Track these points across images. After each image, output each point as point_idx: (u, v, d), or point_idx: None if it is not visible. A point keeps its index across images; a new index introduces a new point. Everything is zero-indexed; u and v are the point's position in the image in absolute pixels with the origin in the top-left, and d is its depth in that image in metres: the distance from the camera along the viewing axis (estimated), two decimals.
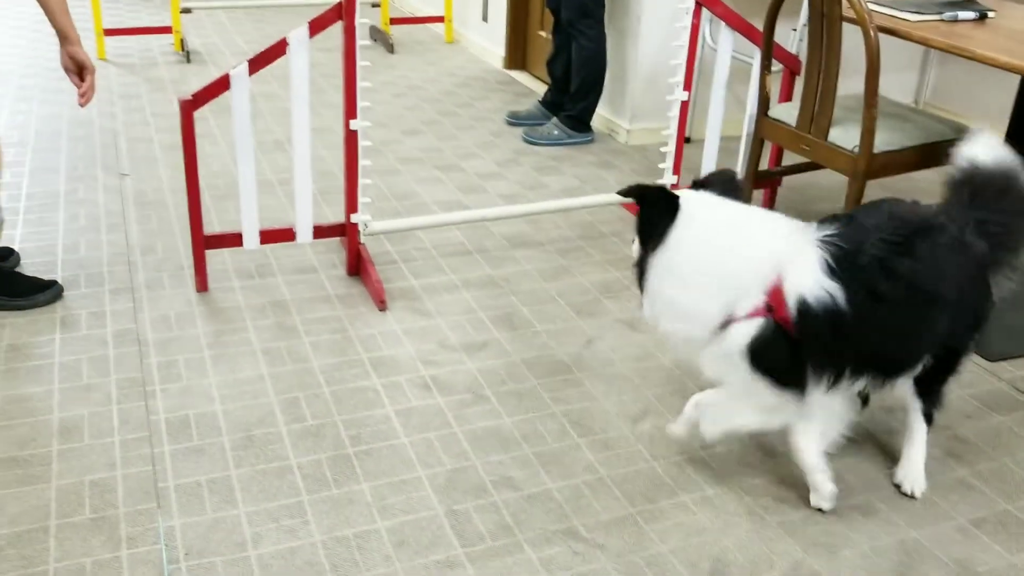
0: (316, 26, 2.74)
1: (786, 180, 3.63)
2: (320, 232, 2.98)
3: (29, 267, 2.92)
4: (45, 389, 2.35)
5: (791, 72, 3.35)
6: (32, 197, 3.45)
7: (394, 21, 6.09)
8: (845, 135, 2.89)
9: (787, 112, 3.11)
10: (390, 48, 5.75)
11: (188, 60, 5.35)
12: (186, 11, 5.60)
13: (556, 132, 4.21)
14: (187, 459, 2.13)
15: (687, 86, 3.21)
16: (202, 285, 2.85)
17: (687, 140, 3.36)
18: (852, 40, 2.81)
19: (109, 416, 2.26)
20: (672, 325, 1.96)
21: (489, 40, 5.65)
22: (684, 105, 3.24)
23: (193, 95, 2.67)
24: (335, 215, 3.37)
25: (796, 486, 2.13)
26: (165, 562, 1.84)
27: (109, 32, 5.37)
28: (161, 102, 4.57)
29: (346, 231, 2.99)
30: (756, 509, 2.06)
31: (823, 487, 2.04)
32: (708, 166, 3.36)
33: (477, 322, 2.76)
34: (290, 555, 1.87)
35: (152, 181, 3.64)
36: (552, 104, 4.38)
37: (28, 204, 3.38)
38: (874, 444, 2.29)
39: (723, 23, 3.21)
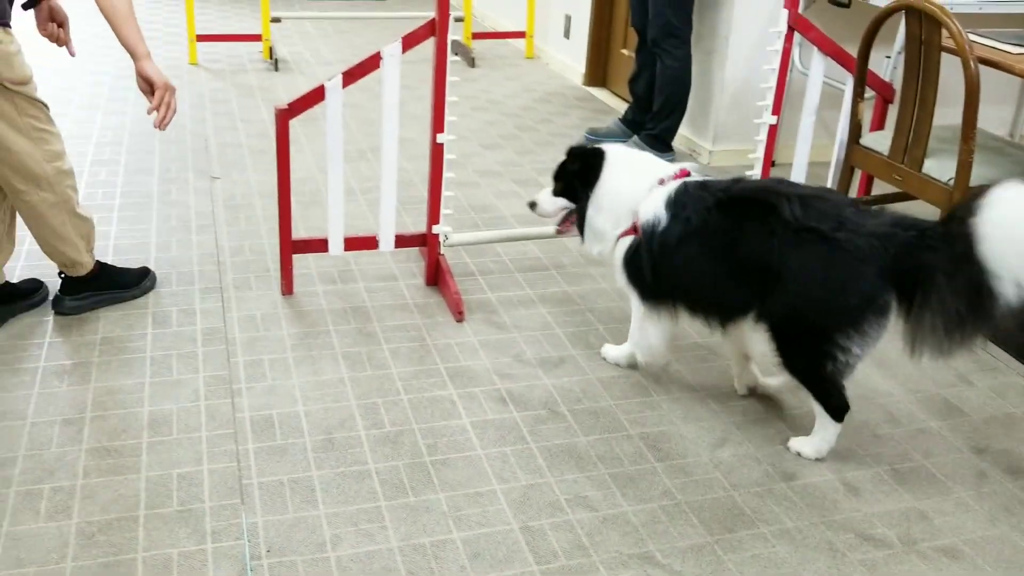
0: (409, 41, 2.78)
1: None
2: (401, 241, 3.03)
3: (123, 263, 3.00)
4: (136, 382, 2.43)
5: (884, 100, 3.30)
6: (127, 196, 3.56)
7: (476, 36, 6.16)
8: (940, 167, 2.83)
9: (879, 141, 3.06)
10: (471, 62, 5.81)
11: (276, 68, 5.48)
12: (276, 20, 5.75)
13: None
14: (270, 458, 2.17)
15: (776, 110, 3.19)
16: (288, 288, 2.91)
17: (772, 164, 3.32)
18: (948, 69, 2.76)
19: (197, 412, 2.32)
20: (595, 247, 2.47)
21: (570, 56, 5.67)
22: (772, 129, 3.21)
23: (289, 104, 2.73)
24: (414, 225, 3.42)
25: (881, 524, 2.08)
26: (248, 558, 1.88)
27: (201, 38, 5.54)
28: (249, 108, 4.69)
29: (427, 241, 3.02)
30: (837, 545, 2.02)
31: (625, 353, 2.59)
32: None
33: (553, 338, 2.77)
34: (368, 559, 1.90)
35: (241, 185, 3.73)
36: (633, 122, 4.38)
37: (123, 203, 3.50)
38: (964, 492, 2.23)
39: (815, 48, 3.17)
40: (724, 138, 4.21)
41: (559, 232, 2.63)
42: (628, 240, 2.36)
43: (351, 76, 2.77)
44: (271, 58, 5.56)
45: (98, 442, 2.19)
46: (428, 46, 2.78)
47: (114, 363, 2.50)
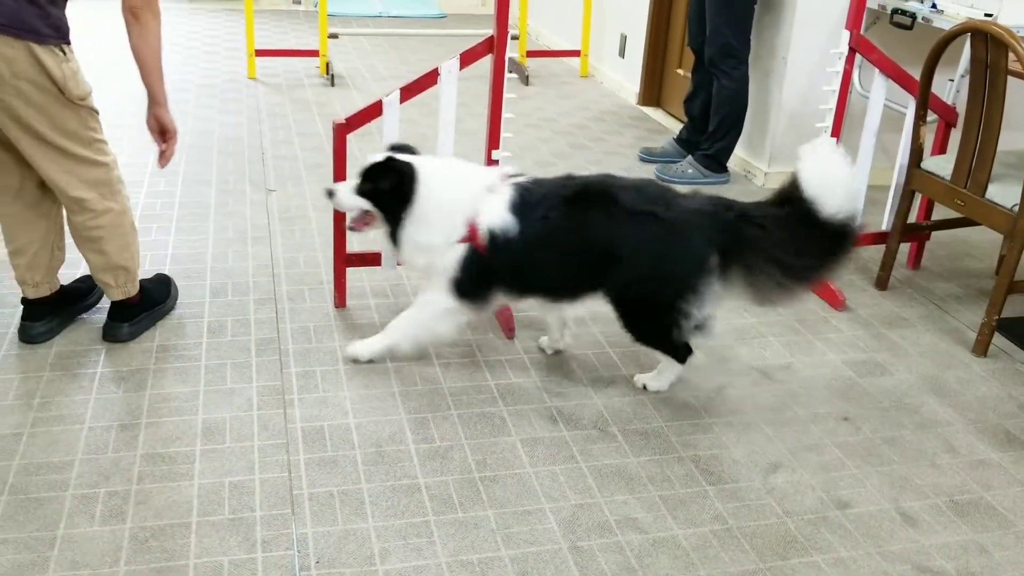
0: (467, 58, 2.80)
1: (935, 235, 3.50)
2: None
3: (181, 272, 3.07)
4: (191, 390, 2.46)
5: (946, 124, 3.24)
6: (184, 206, 3.63)
7: (530, 54, 6.19)
8: (1004, 192, 2.76)
9: (941, 165, 3.00)
10: (525, 80, 5.84)
11: (332, 83, 5.55)
12: (333, 36, 5.84)
13: (691, 171, 4.17)
14: (321, 469, 2.19)
15: (835, 132, 3.14)
16: (340, 301, 2.94)
17: None
18: (1014, 94, 2.70)
19: (250, 421, 2.35)
20: (420, 259, 2.49)
21: (624, 76, 5.66)
22: None
23: (347, 119, 2.76)
24: None
25: (939, 556, 2.03)
26: (297, 568, 1.89)
27: (260, 53, 5.64)
28: (306, 122, 4.76)
29: None
30: None
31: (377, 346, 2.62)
32: None
33: (604, 357, 2.75)
34: (416, 574, 1.89)
35: (296, 198, 3.78)
36: (688, 142, 4.36)
37: (181, 213, 3.56)
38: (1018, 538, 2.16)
39: (877, 70, 3.13)
40: (780, 160, 4.16)
41: (351, 229, 2.59)
42: (462, 248, 2.42)
43: (409, 91, 2.79)
44: (327, 73, 5.63)
45: (153, 448, 2.22)
46: (483, 63, 2.80)
47: (170, 371, 2.54)
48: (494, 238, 2.38)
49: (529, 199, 2.39)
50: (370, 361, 2.62)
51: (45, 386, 2.44)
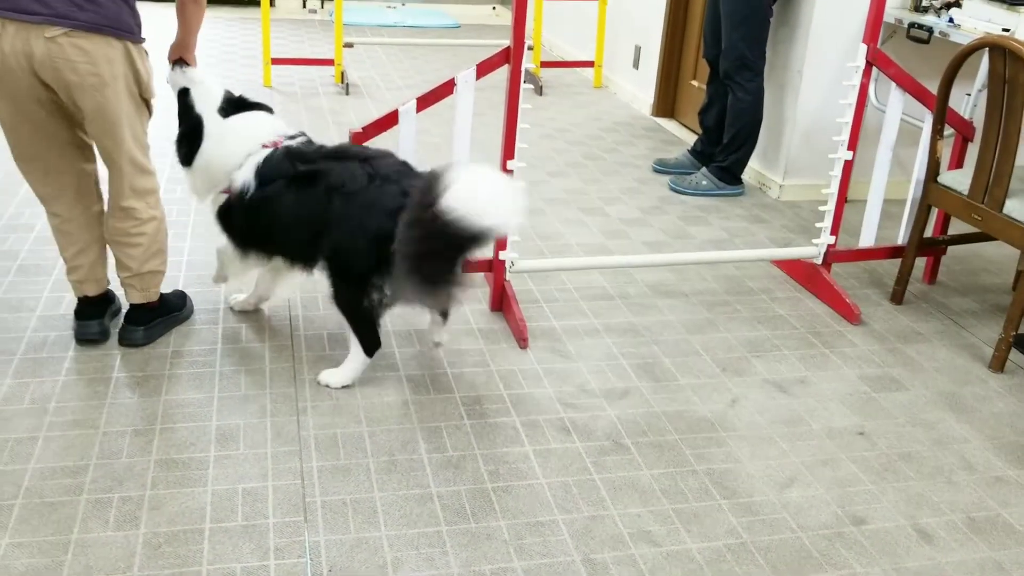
0: (483, 69, 2.81)
1: (951, 249, 3.48)
2: (467, 266, 3.03)
3: (195, 278, 3.08)
4: (206, 396, 2.46)
5: (963, 138, 3.23)
6: (200, 212, 3.63)
7: (544, 64, 6.19)
8: (1022, 208, 2.75)
9: (958, 179, 2.99)
10: (539, 90, 5.85)
11: (347, 92, 5.57)
12: (348, 45, 5.86)
13: (705, 182, 4.17)
14: (334, 477, 2.18)
15: (852, 145, 3.13)
16: None
17: (846, 200, 3.25)
18: None
19: (263, 428, 2.35)
20: (196, 193, 2.72)
21: (638, 87, 5.67)
22: (848, 165, 3.15)
23: (363, 128, 2.77)
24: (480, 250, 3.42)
25: (955, 573, 2.01)
26: None
27: (276, 61, 5.66)
28: (321, 130, 4.77)
29: (493, 267, 3.03)
30: None
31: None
32: (869, 230, 3.26)
33: (618, 369, 2.74)
34: None
35: None
36: (702, 154, 4.35)
37: (197, 219, 3.57)
38: None
39: (893, 84, 3.12)
40: (795, 172, 4.16)
41: None
42: (223, 198, 2.62)
43: (425, 101, 2.80)
44: (342, 82, 5.66)
45: (167, 454, 2.23)
46: (496, 73, 2.80)
47: (184, 376, 2.55)
48: (237, 196, 2.57)
49: (267, 168, 2.55)
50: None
51: (61, 390, 2.45)
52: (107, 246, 2.64)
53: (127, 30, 2.34)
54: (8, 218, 3.47)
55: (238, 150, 2.60)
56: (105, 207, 2.63)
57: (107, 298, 2.71)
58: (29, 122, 2.40)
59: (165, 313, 2.74)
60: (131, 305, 2.68)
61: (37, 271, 3.08)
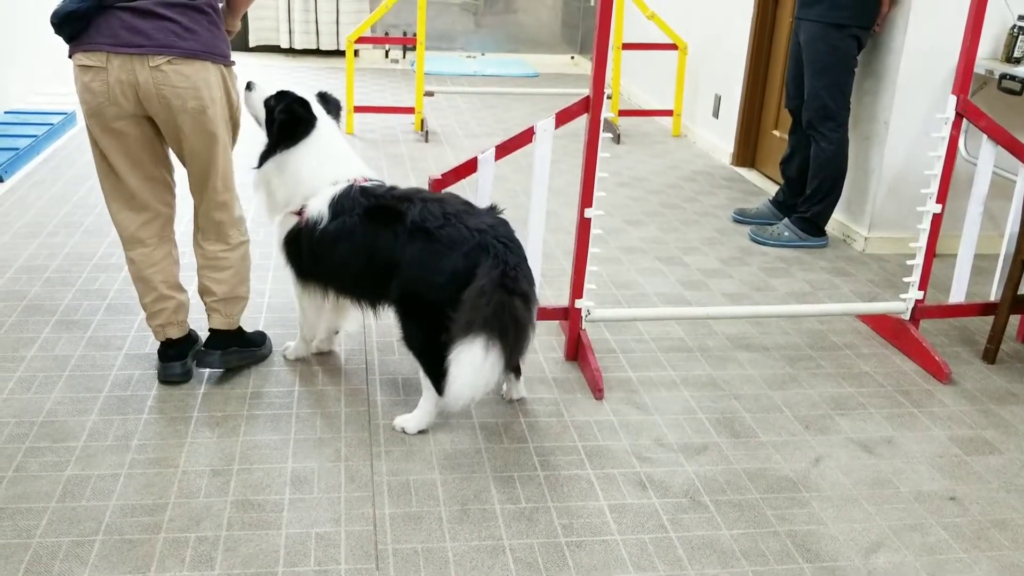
0: (562, 118, 2.81)
1: None
2: (543, 314, 3.02)
3: (275, 320, 3.13)
4: (282, 438, 2.49)
5: None
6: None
7: (623, 113, 6.21)
8: None
9: None
10: (617, 138, 5.85)
11: (426, 139, 5.67)
12: (429, 94, 5.96)
13: (787, 234, 4.09)
14: (406, 524, 2.17)
15: (941, 199, 3.04)
16: None
17: (934, 255, 3.15)
18: None
19: (337, 472, 2.35)
20: (260, 195, 2.75)
21: (718, 136, 5.63)
22: (937, 218, 3.06)
23: (442, 175, 2.80)
24: (555, 298, 3.41)
25: None
26: None
27: (358, 109, 5.80)
28: (400, 177, 4.85)
29: (568, 315, 3.00)
30: None
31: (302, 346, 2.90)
32: (959, 285, 3.15)
33: (696, 423, 2.68)
34: None
35: None
36: (783, 205, 4.28)
37: (277, 262, 3.64)
38: None
39: (984, 136, 3.03)
40: (881, 225, 4.05)
41: None
42: (292, 221, 2.64)
43: (504, 149, 2.82)
44: (422, 129, 5.75)
45: (243, 495, 2.25)
46: (574, 120, 2.81)
47: (262, 418, 2.58)
48: (309, 225, 2.58)
49: (343, 201, 2.56)
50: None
51: (143, 428, 2.50)
52: (180, 289, 2.73)
53: (221, 55, 2.50)
54: (99, 258, 3.60)
55: (325, 173, 2.63)
56: (175, 247, 2.74)
57: (190, 339, 2.78)
58: (126, 155, 2.54)
59: (243, 345, 2.80)
60: (211, 331, 2.76)
61: (126, 310, 3.17)
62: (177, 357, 2.72)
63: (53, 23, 2.40)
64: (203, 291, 2.73)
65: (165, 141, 2.58)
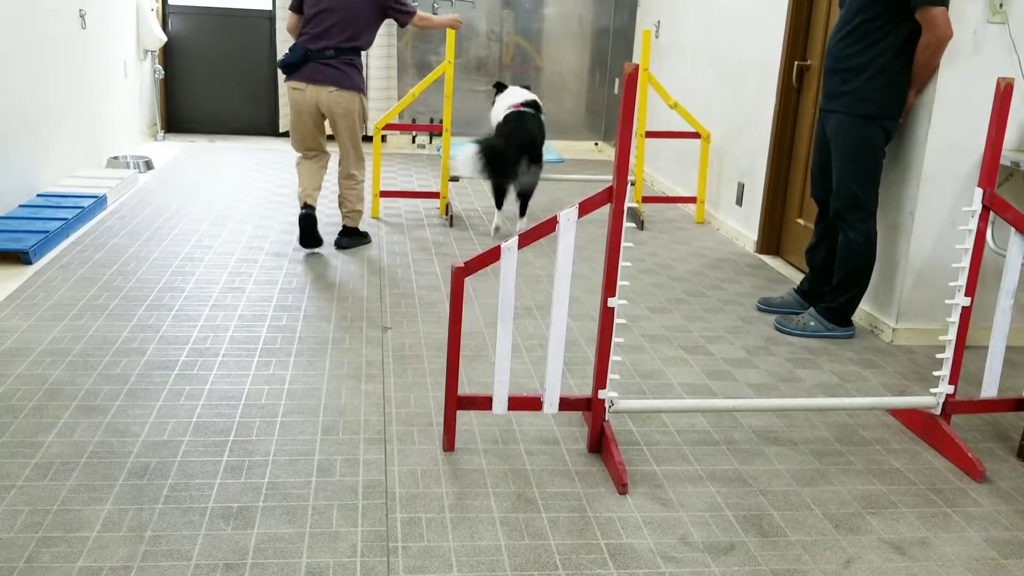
0: (586, 207, 2.82)
1: None
2: (565, 404, 2.97)
3: (295, 408, 3.11)
4: (297, 531, 2.43)
5: None
6: (303, 341, 3.71)
7: (646, 199, 6.24)
8: None
9: None
10: (640, 225, 5.87)
11: (451, 224, 5.71)
12: (454, 179, 6.04)
13: (813, 323, 4.04)
14: None
15: (969, 291, 2.99)
16: (450, 445, 2.90)
17: (964, 347, 3.09)
18: None
19: (353, 568, 2.29)
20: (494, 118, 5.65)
21: (742, 223, 5.63)
22: (966, 311, 3.00)
23: (465, 263, 2.80)
24: (578, 387, 3.37)
25: None
26: None
27: (384, 194, 5.87)
28: (423, 262, 4.87)
29: (591, 406, 2.96)
30: None
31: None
32: (991, 379, 3.07)
33: (723, 521, 2.60)
34: None
35: (410, 336, 3.83)
36: (809, 294, 4.24)
37: (300, 347, 3.64)
38: None
39: (1012, 228, 3.00)
40: (909, 316, 3.99)
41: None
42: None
43: (527, 238, 2.81)
44: (447, 214, 5.80)
45: None
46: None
47: (277, 509, 2.53)
48: (498, 124, 5.69)
49: (512, 112, 5.58)
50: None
51: (158, 519, 2.46)
52: (316, 188, 4.94)
53: (359, 88, 4.86)
54: (122, 342, 3.61)
55: (501, 105, 5.58)
56: (326, 168, 5.08)
57: (314, 216, 4.88)
58: (310, 128, 4.89)
59: (360, 236, 5.13)
60: (344, 227, 5.09)
61: (146, 395, 3.16)
62: (312, 227, 4.88)
63: (280, 65, 4.84)
64: (341, 203, 5.05)
65: (325, 125, 4.92)
